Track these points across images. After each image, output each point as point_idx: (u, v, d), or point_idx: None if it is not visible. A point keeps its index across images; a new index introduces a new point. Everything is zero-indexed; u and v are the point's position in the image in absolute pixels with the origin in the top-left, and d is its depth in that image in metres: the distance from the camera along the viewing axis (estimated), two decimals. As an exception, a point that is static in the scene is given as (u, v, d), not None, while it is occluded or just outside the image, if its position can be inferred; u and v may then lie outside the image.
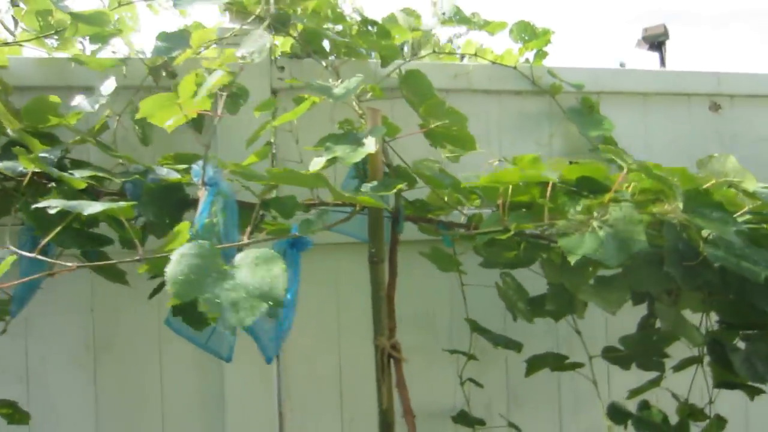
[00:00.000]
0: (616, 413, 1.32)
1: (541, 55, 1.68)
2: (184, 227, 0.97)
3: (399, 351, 1.11)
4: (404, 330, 1.48)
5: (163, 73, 1.40)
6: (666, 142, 1.82)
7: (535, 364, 1.43)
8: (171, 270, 0.80)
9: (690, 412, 1.52)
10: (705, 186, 1.09)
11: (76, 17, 1.23)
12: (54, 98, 1.23)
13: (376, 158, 1.13)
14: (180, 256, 0.82)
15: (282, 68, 1.55)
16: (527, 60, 1.71)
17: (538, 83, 1.69)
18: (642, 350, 1.37)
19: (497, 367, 1.68)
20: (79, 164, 1.26)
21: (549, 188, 1.12)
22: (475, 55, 1.65)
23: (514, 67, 1.68)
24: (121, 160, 1.26)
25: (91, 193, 1.17)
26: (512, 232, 1.05)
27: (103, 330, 1.52)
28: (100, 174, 1.10)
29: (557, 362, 1.43)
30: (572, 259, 0.98)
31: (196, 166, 1.03)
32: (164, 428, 1.56)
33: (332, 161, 1.07)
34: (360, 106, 1.23)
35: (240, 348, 1.47)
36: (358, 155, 1.05)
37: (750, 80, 1.89)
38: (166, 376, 1.55)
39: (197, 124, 1.27)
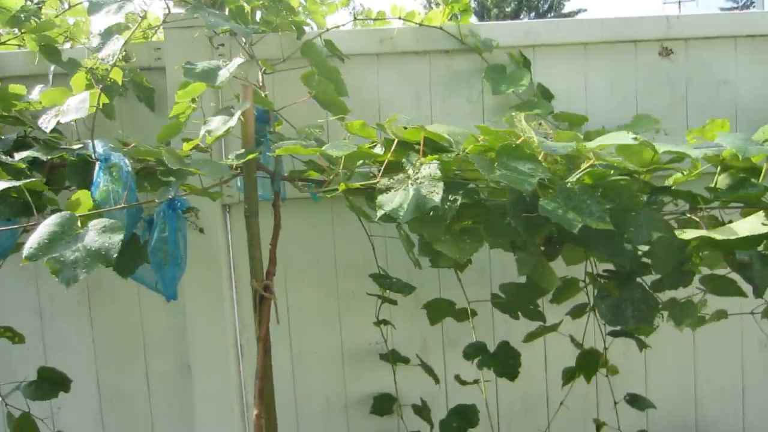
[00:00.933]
0: (474, 349, 1.45)
1: (466, 13, 1.73)
2: (83, 195, 1.23)
3: (270, 292, 1.31)
4: (344, 275, 1.71)
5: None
6: (609, 92, 1.81)
7: (431, 310, 1.57)
8: (32, 237, 1.05)
9: (589, 356, 1.61)
10: (516, 142, 1.16)
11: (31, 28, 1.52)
12: (16, 87, 1.53)
13: (246, 129, 1.31)
14: (44, 226, 1.07)
15: (222, 45, 1.75)
16: (455, 18, 1.76)
17: (466, 41, 1.75)
18: (519, 299, 1.47)
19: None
20: (45, 143, 1.56)
21: (392, 147, 1.24)
22: (401, 18, 1.74)
23: (440, 28, 1.75)
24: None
25: (41, 166, 1.45)
26: (343, 189, 1.20)
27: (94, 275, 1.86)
28: (38, 154, 1.37)
29: (448, 308, 1.56)
30: (378, 215, 1.11)
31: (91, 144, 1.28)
32: (146, 354, 1.89)
33: (207, 134, 1.27)
34: (247, 82, 1.40)
35: (200, 290, 1.77)
36: (225, 128, 1.25)
37: (706, 21, 1.80)
38: (144, 313, 1.88)
39: (108, 110, 1.52)
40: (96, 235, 1.07)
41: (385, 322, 1.70)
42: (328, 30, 1.68)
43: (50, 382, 1.60)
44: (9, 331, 1.65)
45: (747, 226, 1.14)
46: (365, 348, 1.86)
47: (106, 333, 1.88)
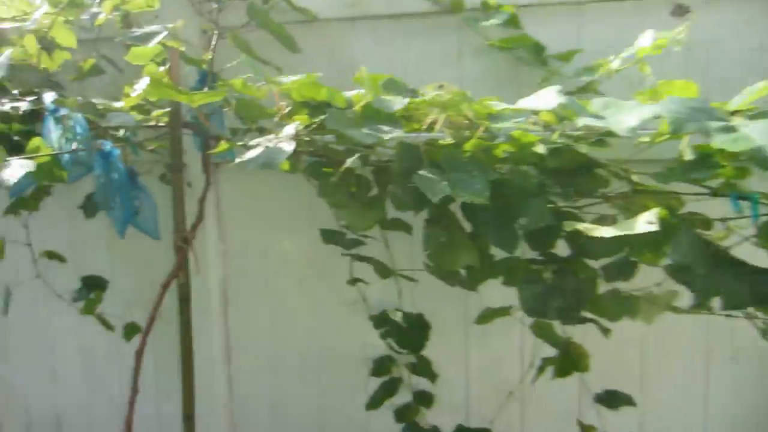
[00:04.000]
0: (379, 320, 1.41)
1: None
2: (36, 141, 1.40)
3: (188, 243, 1.39)
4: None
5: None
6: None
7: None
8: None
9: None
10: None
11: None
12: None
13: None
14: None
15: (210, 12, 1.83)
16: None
17: (440, 1, 1.65)
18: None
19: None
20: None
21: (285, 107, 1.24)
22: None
23: (412, -12, 1.67)
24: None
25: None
26: (224, 147, 1.22)
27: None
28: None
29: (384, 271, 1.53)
30: (236, 162, 1.11)
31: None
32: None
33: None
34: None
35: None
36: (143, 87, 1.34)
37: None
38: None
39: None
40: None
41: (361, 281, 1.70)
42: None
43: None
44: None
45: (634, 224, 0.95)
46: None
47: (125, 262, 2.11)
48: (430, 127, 1.23)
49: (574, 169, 1.17)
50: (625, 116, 1.08)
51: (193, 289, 1.56)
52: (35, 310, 2.20)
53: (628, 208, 1.11)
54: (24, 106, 1.47)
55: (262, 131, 1.46)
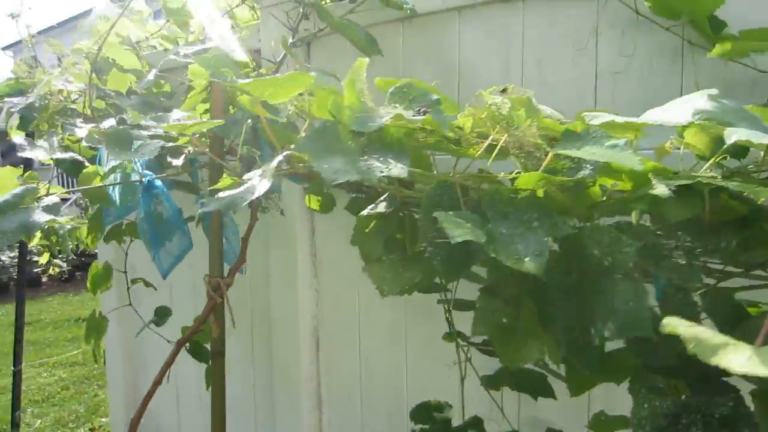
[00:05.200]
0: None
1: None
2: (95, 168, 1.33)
3: (220, 293, 1.18)
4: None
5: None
6: None
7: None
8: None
9: None
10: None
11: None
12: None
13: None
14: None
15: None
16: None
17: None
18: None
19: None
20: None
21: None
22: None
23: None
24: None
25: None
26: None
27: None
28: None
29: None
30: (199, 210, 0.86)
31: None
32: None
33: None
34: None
35: (281, 273, 1.74)
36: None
37: None
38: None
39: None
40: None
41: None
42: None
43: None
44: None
45: None
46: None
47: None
48: (490, 153, 0.84)
49: (720, 225, 0.68)
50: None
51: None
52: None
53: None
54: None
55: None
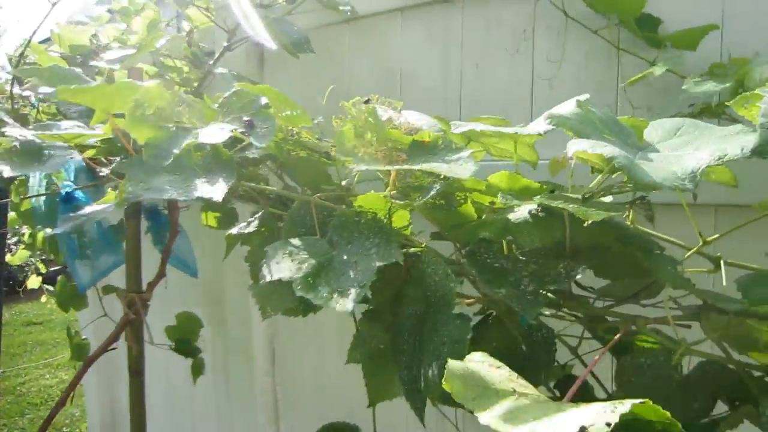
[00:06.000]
0: None
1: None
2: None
3: (134, 310, 1.14)
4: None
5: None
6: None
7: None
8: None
9: None
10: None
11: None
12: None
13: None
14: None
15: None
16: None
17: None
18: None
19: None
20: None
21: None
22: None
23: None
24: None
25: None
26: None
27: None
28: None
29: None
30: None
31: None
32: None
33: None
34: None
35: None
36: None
37: None
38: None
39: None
40: None
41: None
42: None
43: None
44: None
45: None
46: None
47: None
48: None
49: (578, 250, 0.60)
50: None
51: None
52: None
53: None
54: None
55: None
